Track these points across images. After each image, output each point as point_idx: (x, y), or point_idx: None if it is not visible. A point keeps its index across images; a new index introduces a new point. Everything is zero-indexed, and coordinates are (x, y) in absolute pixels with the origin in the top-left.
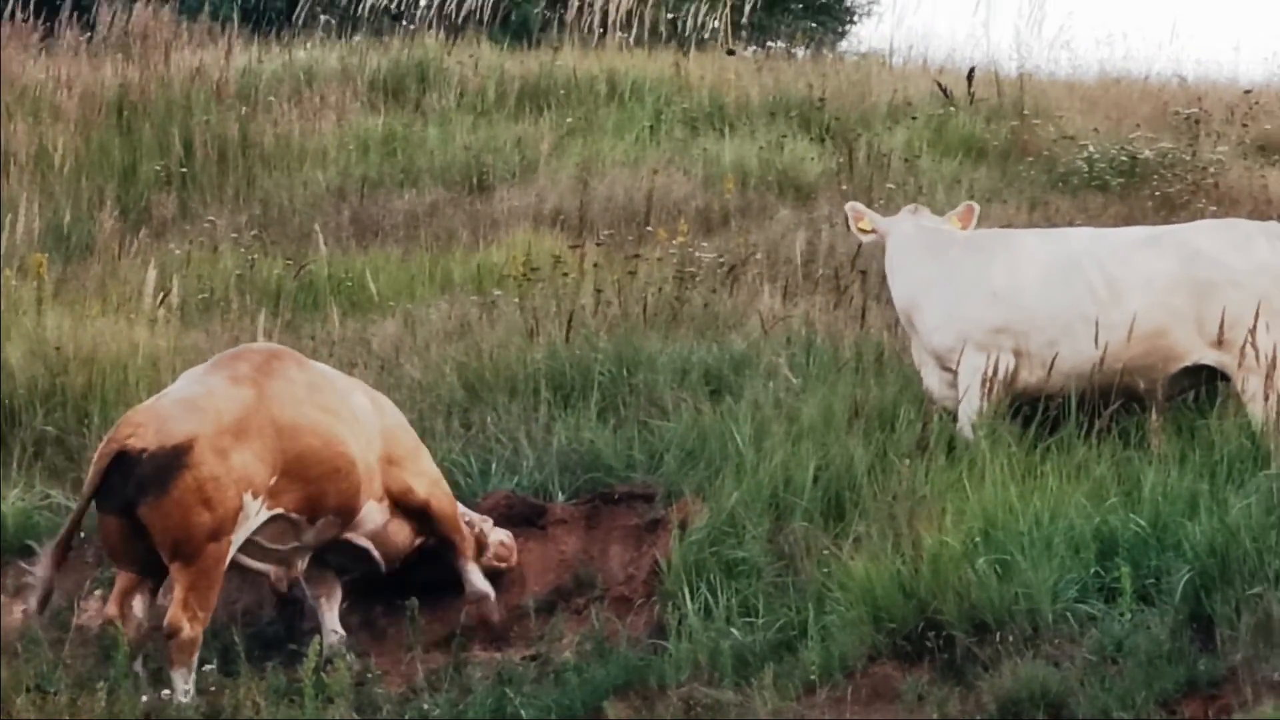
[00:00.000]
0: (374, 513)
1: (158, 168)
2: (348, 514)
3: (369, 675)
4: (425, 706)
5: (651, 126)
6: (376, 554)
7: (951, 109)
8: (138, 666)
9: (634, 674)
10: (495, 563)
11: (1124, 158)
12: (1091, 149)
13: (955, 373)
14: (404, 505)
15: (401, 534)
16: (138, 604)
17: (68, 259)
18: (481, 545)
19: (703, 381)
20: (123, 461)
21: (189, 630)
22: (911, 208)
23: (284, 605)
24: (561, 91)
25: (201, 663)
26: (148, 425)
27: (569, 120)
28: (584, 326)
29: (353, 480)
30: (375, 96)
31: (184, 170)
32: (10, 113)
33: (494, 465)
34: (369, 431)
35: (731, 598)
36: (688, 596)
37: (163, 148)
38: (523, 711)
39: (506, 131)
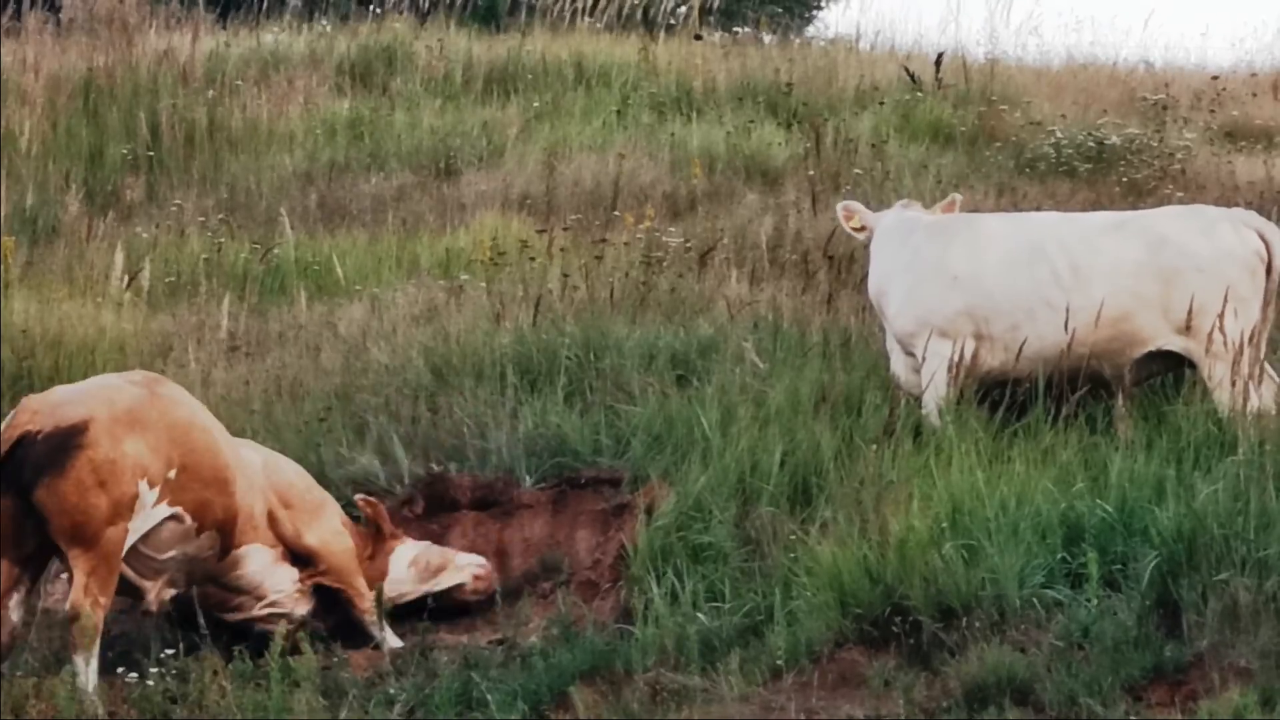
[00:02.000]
0: (258, 555)
1: (125, 151)
2: (226, 535)
3: (335, 659)
4: (391, 691)
5: (619, 111)
6: (261, 594)
7: (919, 94)
8: (4, 669)
9: (600, 659)
10: (470, 595)
11: (1091, 143)
12: (1059, 135)
13: (920, 358)
14: (295, 551)
15: (286, 578)
16: (14, 604)
17: (34, 242)
18: (439, 572)
19: (669, 366)
20: (18, 446)
21: (91, 615)
22: (904, 202)
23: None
24: (529, 76)
25: (166, 646)
26: (43, 411)
27: (536, 105)
28: (551, 311)
29: (232, 500)
30: (343, 81)
31: (151, 154)
32: None
33: (461, 449)
34: (253, 479)
35: (698, 583)
36: (654, 581)
37: (129, 131)
38: (489, 696)
39: (474, 116)
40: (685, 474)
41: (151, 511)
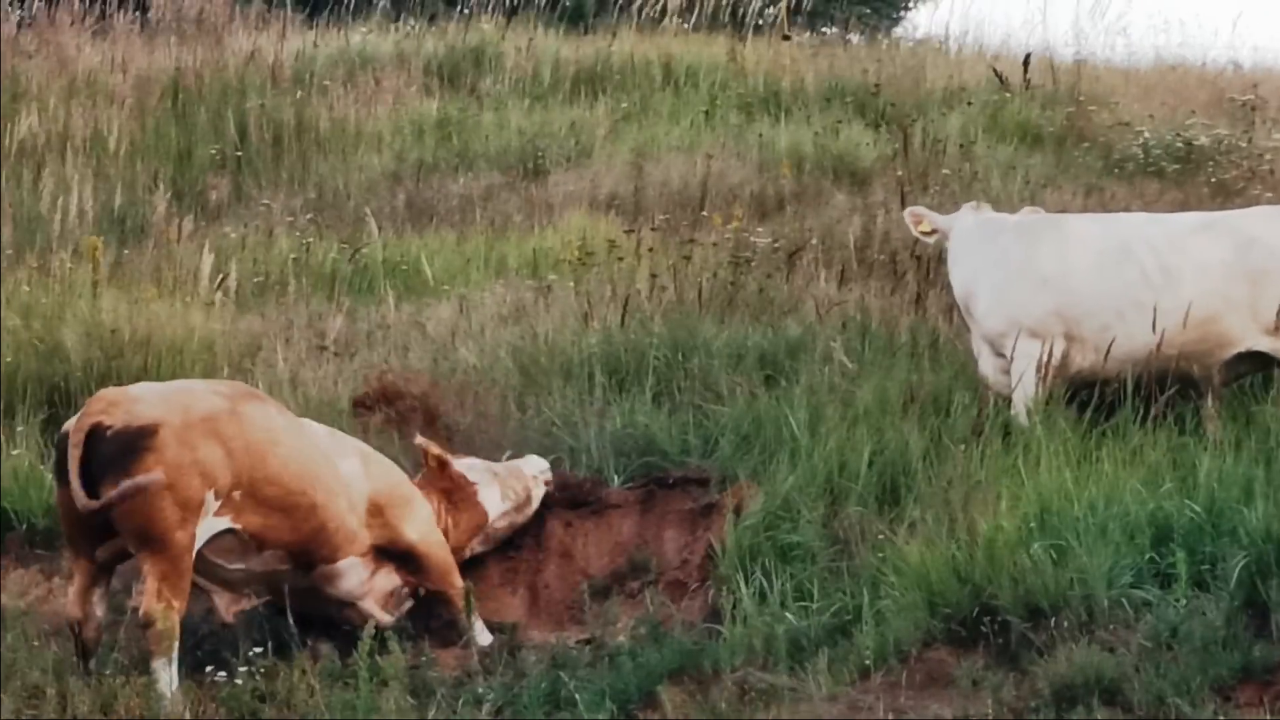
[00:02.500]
0: (355, 568)
1: (213, 151)
2: (306, 557)
3: (423, 659)
4: (479, 690)
5: (707, 112)
6: (366, 607)
7: (1007, 95)
8: (93, 665)
9: (688, 658)
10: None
11: (1180, 144)
12: (1147, 135)
13: (1009, 358)
14: (392, 552)
15: (389, 586)
16: (98, 601)
17: (123, 242)
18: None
19: (758, 366)
20: (90, 438)
21: (164, 620)
22: (973, 205)
23: None
24: (617, 76)
25: (254, 645)
26: (119, 404)
27: (624, 105)
28: (639, 311)
29: (310, 523)
30: (430, 81)
31: (239, 154)
32: (66, 96)
33: (549, 449)
34: (352, 494)
35: (786, 582)
36: (742, 581)
37: (217, 131)
38: (577, 695)
39: (562, 116)
40: (773, 474)
41: (212, 521)
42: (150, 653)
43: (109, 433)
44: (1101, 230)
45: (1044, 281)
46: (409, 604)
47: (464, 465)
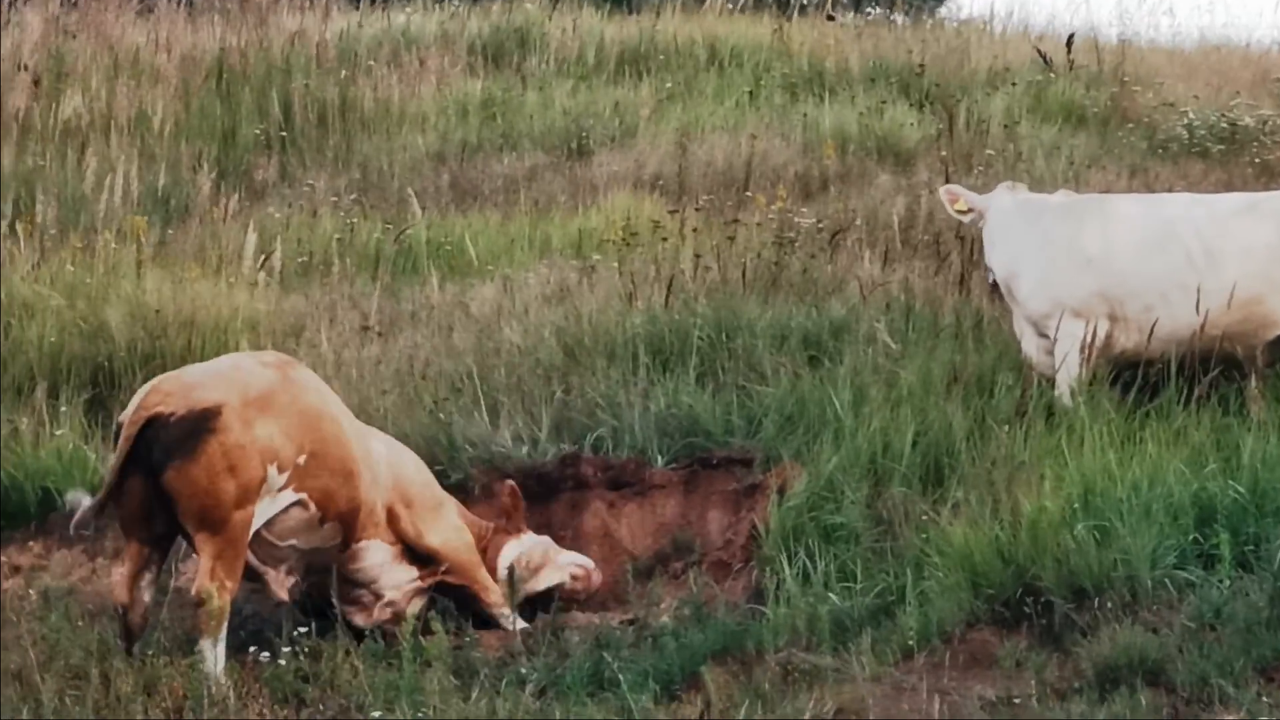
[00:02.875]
0: (376, 551)
1: (257, 131)
2: (348, 527)
3: (466, 639)
4: (523, 670)
5: (751, 92)
6: (379, 591)
7: (1051, 75)
8: (137, 649)
9: (732, 639)
10: (567, 595)
11: (1224, 125)
12: (1192, 116)
13: (1052, 339)
14: (416, 551)
15: (405, 577)
16: (146, 586)
17: (167, 222)
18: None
19: (801, 347)
20: (150, 427)
21: (218, 599)
22: (1008, 184)
23: None
24: (661, 57)
25: (297, 625)
26: (175, 393)
27: (668, 85)
28: (683, 291)
29: (356, 492)
30: (475, 61)
31: (283, 134)
32: (110, 75)
33: (593, 429)
34: (378, 473)
35: (830, 563)
36: (786, 562)
37: (262, 111)
38: (620, 676)
39: (606, 96)
40: (817, 454)
41: (279, 497)
42: (200, 632)
43: (171, 419)
44: (1145, 211)
45: (1088, 262)
46: (422, 602)
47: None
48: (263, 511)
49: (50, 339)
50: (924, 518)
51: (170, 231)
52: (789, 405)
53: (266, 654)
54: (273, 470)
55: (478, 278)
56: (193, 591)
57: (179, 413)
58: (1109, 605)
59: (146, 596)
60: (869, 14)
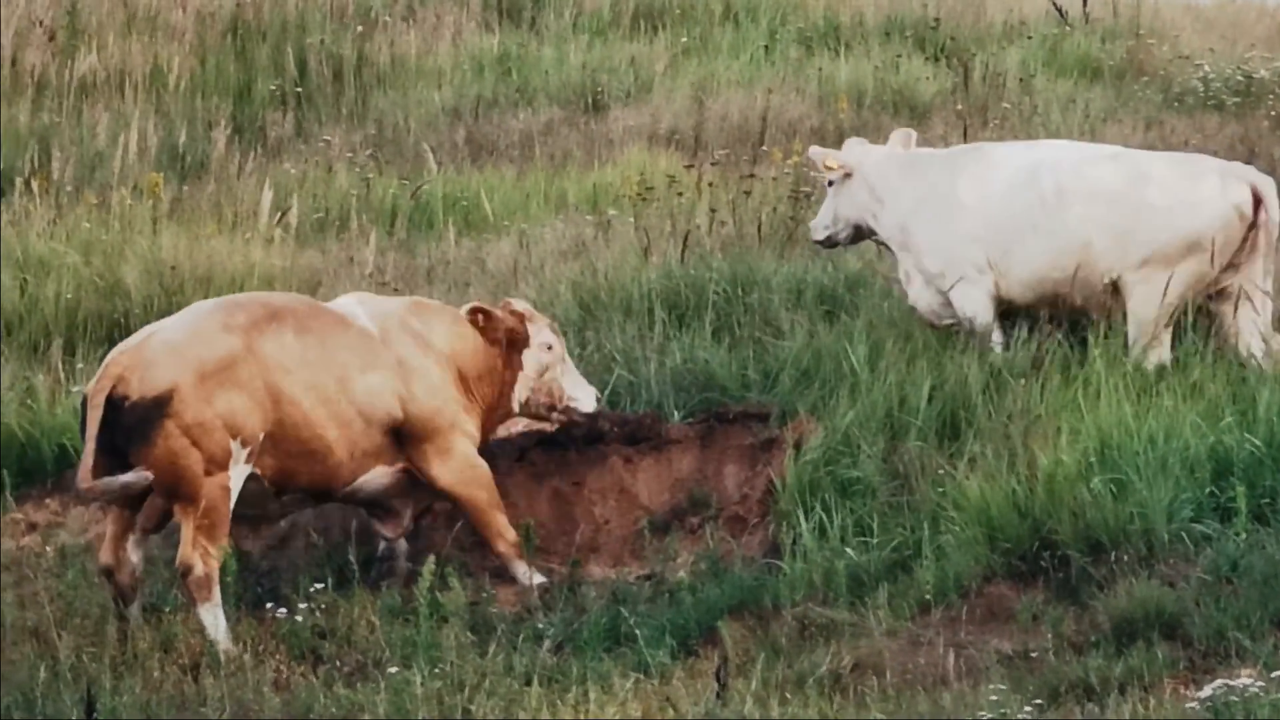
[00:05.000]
0: (378, 477)
1: (273, 87)
2: (322, 493)
3: (483, 595)
4: (540, 626)
5: (766, 46)
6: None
7: (1067, 29)
8: (134, 610)
9: (749, 594)
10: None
11: (1240, 77)
12: (1207, 69)
13: (950, 293)
14: (430, 486)
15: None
16: (131, 547)
17: (183, 178)
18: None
19: (817, 301)
20: (109, 406)
21: (201, 567)
22: (857, 139)
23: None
24: (676, 11)
25: (314, 581)
26: (131, 371)
27: (684, 40)
28: (699, 246)
29: (325, 466)
30: (490, 16)
31: (299, 90)
32: (125, 32)
33: (609, 384)
34: (376, 412)
35: (846, 517)
36: (802, 516)
37: (277, 67)
38: (637, 631)
39: (621, 51)
40: (833, 409)
41: (240, 468)
42: (192, 601)
43: (126, 404)
44: (1017, 156)
45: (964, 210)
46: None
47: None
48: (238, 480)
49: (66, 296)
50: (940, 472)
51: (186, 188)
52: (805, 360)
53: (283, 610)
54: (236, 445)
55: (494, 233)
56: (177, 562)
57: (132, 397)
58: (1125, 559)
59: (134, 557)
60: None
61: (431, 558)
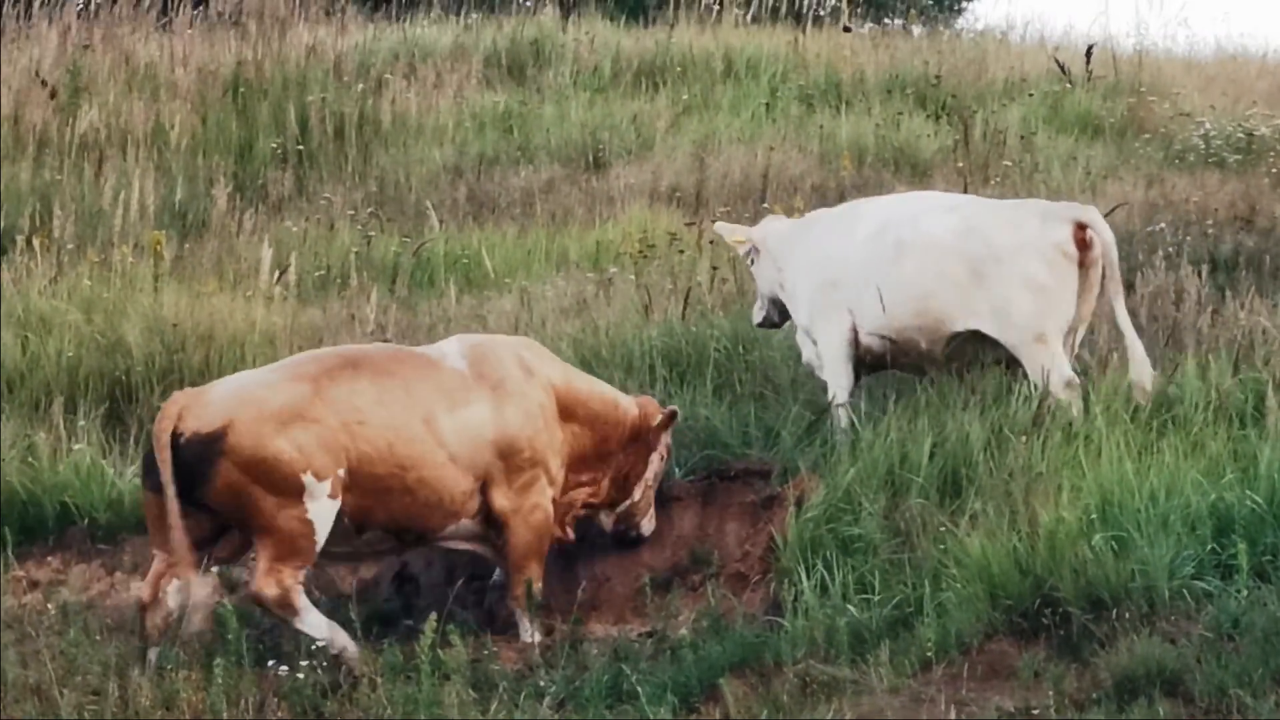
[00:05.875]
0: (464, 529)
1: (274, 145)
2: (411, 534)
3: (485, 652)
4: (541, 683)
5: (767, 104)
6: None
7: (1068, 86)
8: (151, 655)
9: (750, 651)
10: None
11: (1241, 135)
12: (1208, 126)
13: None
14: (490, 512)
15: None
16: (172, 589)
17: (184, 236)
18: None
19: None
20: (173, 442)
21: (275, 587)
22: (773, 216)
23: (401, 582)
24: (678, 69)
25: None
26: (190, 409)
27: (685, 97)
28: (700, 304)
29: (414, 504)
30: (491, 74)
31: (300, 148)
32: (127, 89)
33: None
34: (473, 454)
35: (848, 574)
36: (804, 573)
37: (279, 125)
38: (639, 688)
39: (623, 109)
40: (835, 466)
41: (327, 503)
42: (284, 621)
43: (182, 440)
44: (879, 208)
45: (829, 262)
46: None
47: None
48: (323, 513)
49: (68, 354)
50: (941, 529)
51: (187, 246)
52: (806, 417)
53: (285, 668)
54: (309, 478)
55: (495, 290)
56: (251, 589)
57: (187, 434)
58: (1127, 616)
59: (171, 602)
60: (886, 25)
61: (433, 615)
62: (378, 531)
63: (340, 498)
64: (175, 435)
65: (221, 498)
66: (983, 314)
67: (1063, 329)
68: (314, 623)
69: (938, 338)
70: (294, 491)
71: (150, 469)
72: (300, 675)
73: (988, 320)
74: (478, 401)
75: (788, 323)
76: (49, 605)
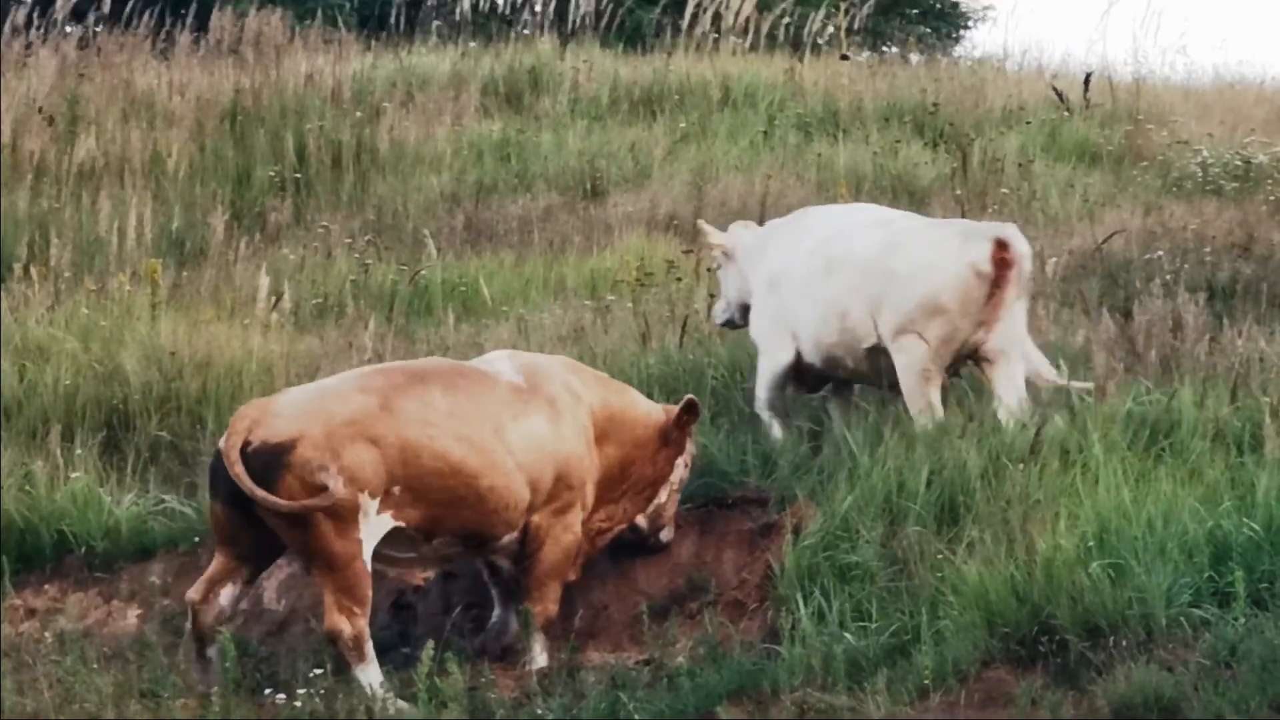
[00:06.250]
0: (511, 542)
1: (271, 173)
2: (477, 542)
3: (482, 680)
4: (539, 711)
5: (765, 132)
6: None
7: (1066, 114)
8: (211, 652)
9: (747, 679)
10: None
11: (1238, 162)
12: (1206, 153)
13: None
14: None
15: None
16: (225, 592)
17: (182, 264)
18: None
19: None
20: (242, 452)
21: (349, 628)
22: (740, 224)
23: (398, 610)
24: (675, 97)
25: (313, 667)
26: (259, 421)
27: (682, 125)
28: (697, 331)
29: (483, 513)
30: (489, 102)
31: (298, 175)
32: (125, 118)
33: None
34: (540, 463)
35: (845, 602)
36: (801, 601)
37: (276, 153)
38: (636, 716)
39: (620, 137)
40: (832, 494)
41: (376, 520)
42: (347, 665)
43: (249, 450)
44: (823, 221)
45: (776, 276)
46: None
47: None
48: (373, 530)
49: (65, 382)
50: (939, 557)
51: (185, 274)
52: (803, 445)
53: (282, 696)
54: (364, 497)
55: (492, 318)
56: (324, 628)
57: (255, 444)
58: (1124, 643)
59: (224, 602)
60: (883, 53)
61: (430, 642)
62: (446, 538)
63: (395, 513)
64: (244, 446)
65: (280, 516)
66: (887, 332)
67: (947, 361)
68: (374, 676)
69: (859, 355)
70: (350, 509)
71: (217, 479)
72: (298, 704)
73: (891, 339)
74: (536, 414)
75: None
76: (46, 633)
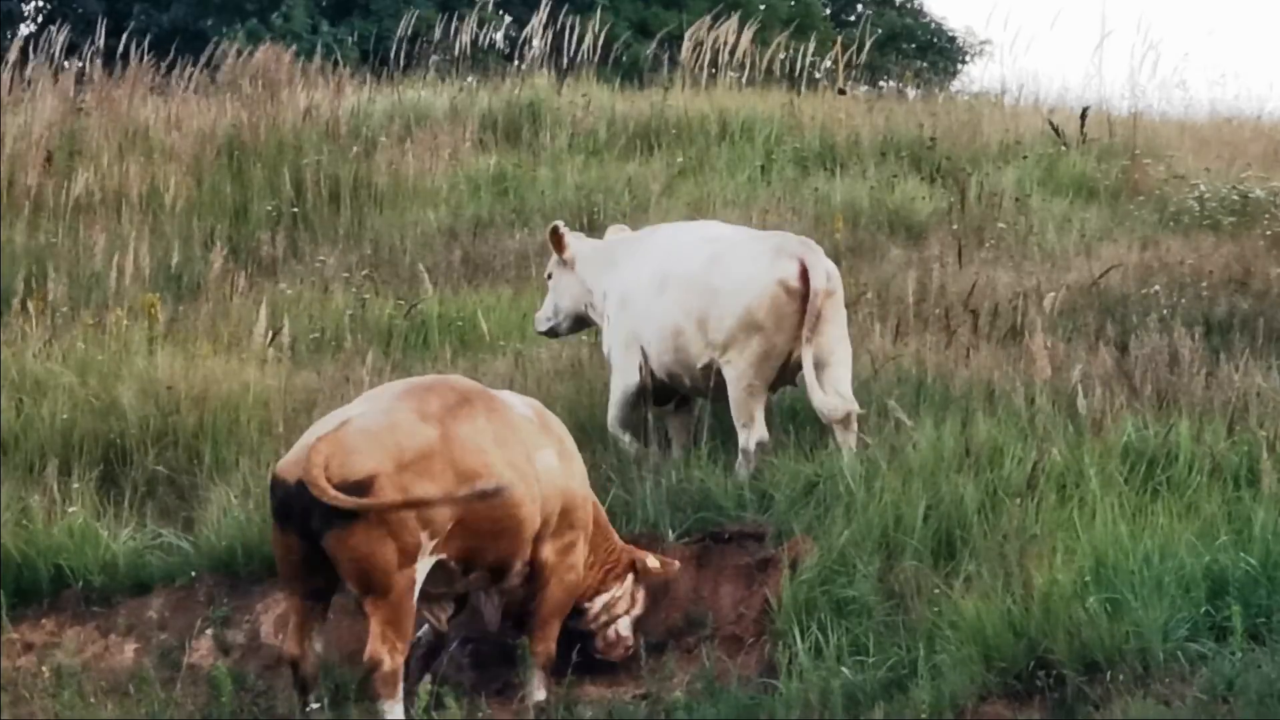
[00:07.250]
0: (521, 574)
1: (269, 208)
2: (500, 572)
3: (479, 714)
4: None
5: (763, 166)
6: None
7: (1063, 148)
8: (314, 702)
9: (745, 713)
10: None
11: (1235, 197)
12: (1203, 188)
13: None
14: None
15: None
16: (314, 638)
17: (179, 299)
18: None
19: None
20: (302, 489)
21: (390, 662)
22: (619, 228)
23: None
24: (673, 131)
25: (312, 701)
26: (334, 458)
27: (680, 160)
28: None
29: (516, 542)
30: (486, 136)
31: (295, 210)
32: (122, 152)
33: (605, 504)
34: (551, 495)
35: (842, 637)
36: (798, 635)
37: (274, 188)
38: None
39: (618, 171)
40: (829, 528)
41: (426, 561)
42: (375, 695)
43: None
44: (670, 237)
45: (626, 293)
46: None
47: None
48: (424, 570)
49: (62, 416)
50: (936, 591)
51: (182, 308)
52: (800, 479)
53: None
54: (424, 535)
55: (490, 353)
56: (365, 657)
57: (334, 480)
58: (1121, 678)
59: (317, 646)
60: (881, 87)
61: (428, 677)
62: (482, 571)
63: (441, 545)
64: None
65: (357, 550)
66: (714, 349)
67: (770, 377)
68: (398, 715)
69: (696, 372)
70: (414, 550)
71: (289, 511)
72: None
73: (715, 353)
74: (548, 449)
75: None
76: (43, 668)
